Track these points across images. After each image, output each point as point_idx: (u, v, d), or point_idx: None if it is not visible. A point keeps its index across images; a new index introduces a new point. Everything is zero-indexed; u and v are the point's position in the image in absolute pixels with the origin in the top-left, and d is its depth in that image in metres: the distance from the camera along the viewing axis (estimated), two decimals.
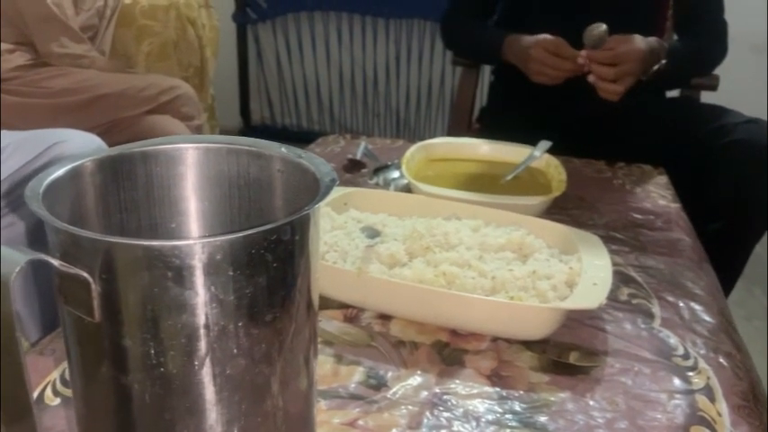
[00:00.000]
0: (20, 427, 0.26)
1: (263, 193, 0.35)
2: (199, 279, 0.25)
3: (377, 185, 1.02)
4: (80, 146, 0.91)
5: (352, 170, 1.08)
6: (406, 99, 2.73)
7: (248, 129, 3.03)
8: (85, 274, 0.25)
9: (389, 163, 1.08)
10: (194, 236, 0.35)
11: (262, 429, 0.31)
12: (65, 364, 0.54)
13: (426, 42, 2.61)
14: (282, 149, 0.34)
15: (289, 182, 0.34)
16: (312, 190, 0.32)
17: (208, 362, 0.27)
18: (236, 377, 0.28)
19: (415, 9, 2.52)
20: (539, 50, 1.08)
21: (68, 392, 0.52)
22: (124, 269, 0.25)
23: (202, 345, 0.27)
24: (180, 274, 0.25)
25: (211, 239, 0.25)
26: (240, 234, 0.25)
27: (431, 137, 2.74)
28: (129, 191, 0.34)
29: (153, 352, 0.26)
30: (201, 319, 0.26)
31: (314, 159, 0.33)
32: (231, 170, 0.35)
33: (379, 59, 2.70)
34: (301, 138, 2.78)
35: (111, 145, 1.02)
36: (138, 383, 0.27)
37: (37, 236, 0.91)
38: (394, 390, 0.55)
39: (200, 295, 0.26)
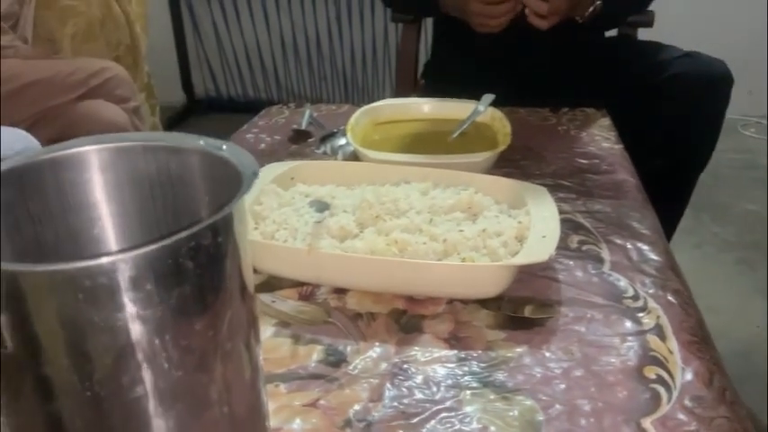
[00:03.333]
0: None
1: (188, 190, 0.33)
2: (115, 298, 0.24)
3: (324, 154, 1.00)
4: (7, 142, 0.86)
5: (298, 141, 1.06)
6: (351, 59, 2.68)
7: (192, 103, 2.93)
8: None
9: (335, 130, 1.06)
10: (118, 242, 0.33)
11: None
12: None
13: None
14: (201, 142, 0.32)
15: (212, 176, 0.32)
16: (236, 183, 0.30)
17: (138, 379, 0.25)
18: (172, 390, 0.27)
19: None
20: (476, 5, 1.07)
21: None
22: (31, 296, 0.24)
23: (129, 364, 0.25)
24: (93, 295, 0.24)
25: (123, 256, 0.23)
26: (153, 246, 0.24)
27: (380, 95, 2.71)
28: (39, 202, 0.31)
29: (77, 378, 0.25)
30: (124, 339, 0.25)
31: (235, 150, 0.32)
32: (150, 168, 0.33)
33: (319, 21, 2.63)
34: (249, 107, 2.70)
35: (43, 137, 0.97)
36: (66, 410, 0.26)
37: None
38: (354, 364, 0.54)
39: (119, 314, 0.24)
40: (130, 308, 0.24)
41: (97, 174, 0.33)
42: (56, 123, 1.23)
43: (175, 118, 2.73)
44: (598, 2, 1.10)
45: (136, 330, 0.25)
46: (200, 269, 0.26)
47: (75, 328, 0.24)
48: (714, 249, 1.78)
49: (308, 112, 1.14)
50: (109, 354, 0.25)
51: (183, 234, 0.24)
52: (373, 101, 1.04)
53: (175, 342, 0.26)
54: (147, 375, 0.26)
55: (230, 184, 0.30)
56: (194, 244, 0.25)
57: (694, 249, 1.77)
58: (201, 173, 0.33)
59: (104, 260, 0.23)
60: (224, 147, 0.32)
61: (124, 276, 0.24)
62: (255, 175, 0.29)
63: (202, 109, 2.89)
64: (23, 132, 0.90)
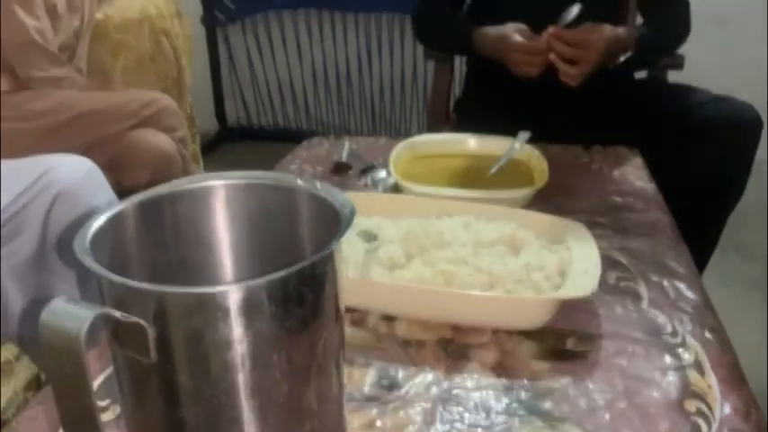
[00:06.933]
0: None
1: (288, 224, 0.37)
2: (245, 318, 0.28)
3: (365, 186, 1.04)
4: (71, 171, 0.91)
5: (340, 172, 1.10)
6: (380, 92, 2.74)
7: (225, 131, 3.01)
8: (142, 322, 0.27)
9: (375, 163, 1.10)
10: (224, 267, 0.37)
11: None
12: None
13: (396, 34, 2.62)
14: (299, 182, 0.36)
15: (310, 212, 0.36)
16: (331, 217, 0.34)
17: (256, 391, 0.29)
18: (280, 401, 0.30)
19: (382, 3, 2.53)
20: (517, 55, 1.12)
21: None
22: (176, 314, 0.28)
23: (250, 376, 0.29)
24: (228, 315, 0.27)
25: (254, 282, 0.27)
26: (279, 275, 0.28)
27: (407, 128, 2.73)
28: (157, 230, 0.36)
29: (205, 386, 0.28)
30: (248, 353, 0.28)
31: (330, 190, 0.36)
32: (252, 203, 0.37)
33: (350, 54, 2.70)
34: (279, 136, 2.79)
35: (99, 162, 1.02)
36: (192, 415, 0.29)
37: (35, 265, 0.91)
38: (406, 388, 0.57)
39: (246, 332, 0.28)
40: (256, 326, 0.28)
41: (208, 207, 0.37)
42: (108, 150, 1.29)
43: (208, 145, 2.80)
44: (630, 52, 1.14)
45: (258, 347, 0.29)
46: (311, 294, 0.30)
47: (210, 344, 0.28)
48: (742, 290, 1.78)
49: (347, 145, 1.19)
50: (234, 367, 0.29)
51: (302, 264, 0.28)
52: (401, 133, 1.09)
53: (288, 358, 0.30)
54: (264, 386, 0.29)
55: (326, 218, 0.34)
56: (309, 273, 0.29)
57: (721, 288, 1.77)
58: (299, 208, 0.37)
59: (243, 284, 0.27)
60: (318, 185, 0.36)
61: (254, 300, 0.27)
62: (353, 213, 0.33)
63: (234, 137, 2.97)
64: (86, 159, 0.96)
